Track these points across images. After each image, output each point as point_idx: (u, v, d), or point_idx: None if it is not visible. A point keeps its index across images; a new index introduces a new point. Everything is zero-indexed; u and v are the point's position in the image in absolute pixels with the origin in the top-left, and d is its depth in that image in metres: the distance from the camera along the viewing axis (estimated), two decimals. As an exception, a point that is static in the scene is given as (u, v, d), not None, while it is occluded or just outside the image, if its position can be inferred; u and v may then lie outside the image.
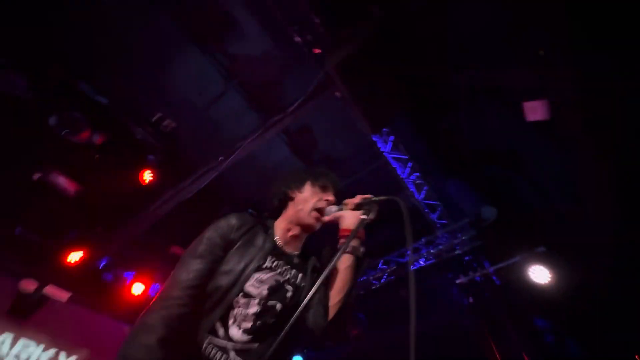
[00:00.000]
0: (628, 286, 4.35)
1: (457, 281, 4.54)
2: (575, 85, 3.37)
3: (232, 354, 1.06)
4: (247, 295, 1.15)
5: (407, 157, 4.40)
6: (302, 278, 1.29)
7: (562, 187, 4.42)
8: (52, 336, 4.70)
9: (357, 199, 1.31)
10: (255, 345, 1.10)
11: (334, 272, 1.25)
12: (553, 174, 4.44)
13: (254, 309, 1.13)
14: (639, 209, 4.03)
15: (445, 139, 4.28)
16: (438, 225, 4.65)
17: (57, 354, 4.70)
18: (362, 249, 1.28)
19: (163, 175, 4.69)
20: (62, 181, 3.89)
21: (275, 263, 1.25)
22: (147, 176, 4.41)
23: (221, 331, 1.08)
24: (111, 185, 4.22)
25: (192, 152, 4.92)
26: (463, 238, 4.45)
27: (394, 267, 4.84)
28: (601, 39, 2.97)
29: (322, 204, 1.35)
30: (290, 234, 1.35)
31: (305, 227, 1.36)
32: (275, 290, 1.20)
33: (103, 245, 4.35)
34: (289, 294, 1.22)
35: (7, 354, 4.36)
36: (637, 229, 4.12)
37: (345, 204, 1.33)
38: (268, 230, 1.34)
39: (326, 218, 1.34)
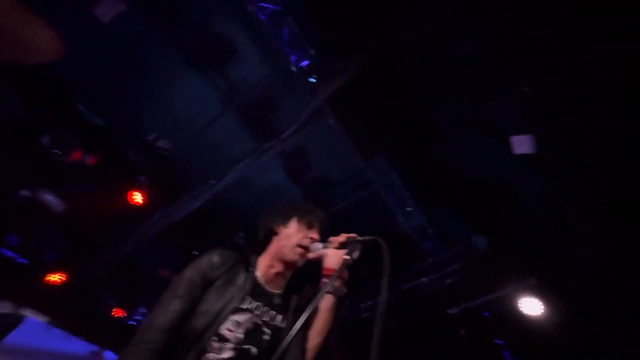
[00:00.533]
0: (613, 314, 4.30)
1: (449, 311, 4.47)
2: (560, 118, 3.49)
3: None
4: (222, 339, 1.11)
5: (399, 185, 4.42)
6: (282, 319, 1.26)
7: (552, 218, 4.46)
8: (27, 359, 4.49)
9: (342, 237, 1.30)
10: None
11: (314, 313, 1.23)
12: (542, 204, 4.49)
13: (227, 354, 1.10)
14: (625, 237, 4.06)
15: (437, 168, 4.34)
16: (429, 254, 4.62)
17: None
18: (344, 290, 1.26)
19: (154, 196, 4.65)
20: (50, 199, 3.84)
21: (254, 304, 1.22)
22: (137, 197, 4.37)
23: None
24: (100, 206, 4.17)
25: (186, 174, 4.92)
26: (454, 267, 4.42)
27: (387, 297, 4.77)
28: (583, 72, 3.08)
29: (306, 241, 1.33)
30: (273, 270, 1.32)
31: (288, 264, 1.34)
32: (252, 334, 1.16)
33: (87, 267, 4.24)
34: (266, 337, 1.18)
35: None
36: (622, 256, 4.13)
37: (330, 242, 1.32)
38: (250, 268, 1.32)
39: (310, 255, 1.32)
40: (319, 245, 1.33)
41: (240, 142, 4.53)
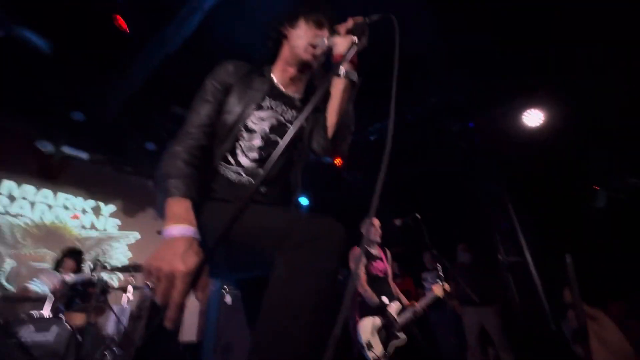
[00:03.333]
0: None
1: (452, 128, 4.73)
2: None
3: (244, 176, 1.20)
4: (250, 130, 1.24)
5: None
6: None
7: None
8: (86, 190, 5.27)
9: (349, 22, 1.23)
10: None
11: (329, 99, 1.29)
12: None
13: (257, 141, 1.24)
14: None
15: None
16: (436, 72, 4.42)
17: (97, 203, 5.40)
18: (355, 74, 1.25)
19: (138, 22, 4.07)
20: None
21: (274, 103, 1.29)
22: (120, 23, 3.81)
23: (232, 160, 1.21)
24: (85, 38, 3.71)
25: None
26: (461, 83, 4.29)
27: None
28: None
29: (317, 40, 1.28)
30: (288, 74, 1.34)
31: (301, 66, 1.31)
32: (276, 128, 1.27)
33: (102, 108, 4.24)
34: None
35: (54, 205, 4.98)
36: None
37: (338, 30, 1.25)
38: (265, 74, 1.34)
39: (320, 51, 1.28)
40: (328, 38, 1.27)
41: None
